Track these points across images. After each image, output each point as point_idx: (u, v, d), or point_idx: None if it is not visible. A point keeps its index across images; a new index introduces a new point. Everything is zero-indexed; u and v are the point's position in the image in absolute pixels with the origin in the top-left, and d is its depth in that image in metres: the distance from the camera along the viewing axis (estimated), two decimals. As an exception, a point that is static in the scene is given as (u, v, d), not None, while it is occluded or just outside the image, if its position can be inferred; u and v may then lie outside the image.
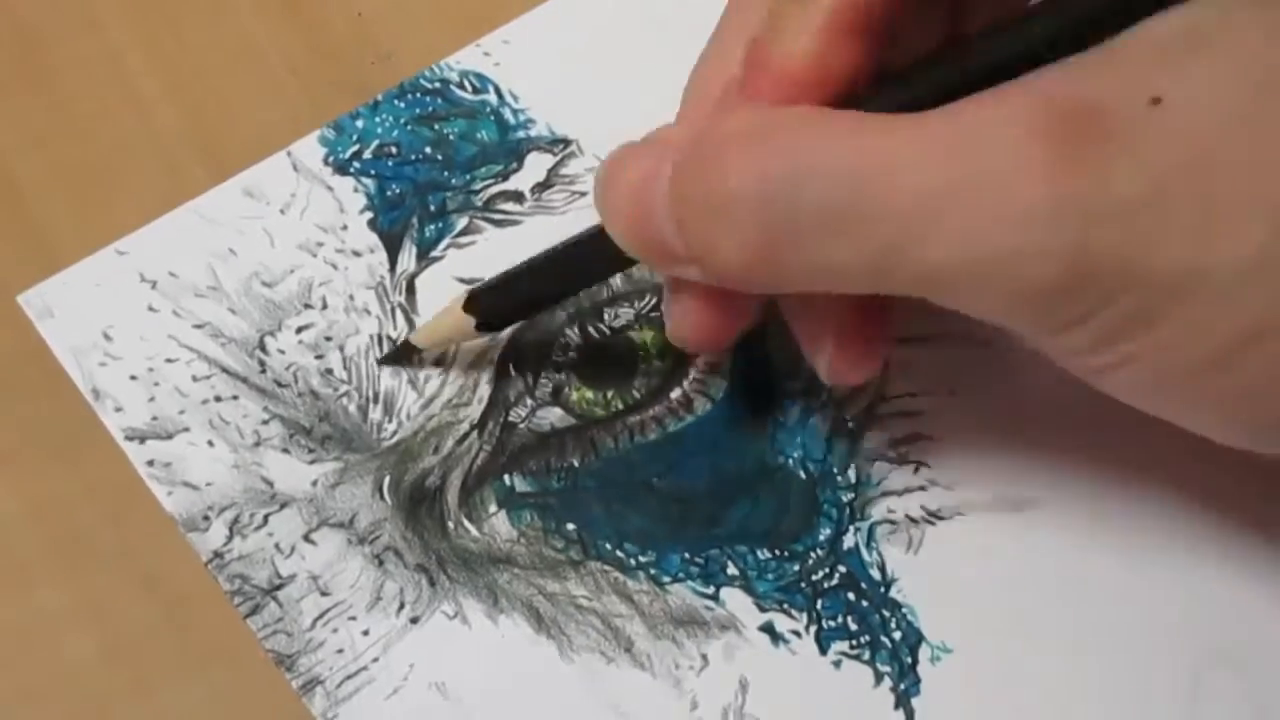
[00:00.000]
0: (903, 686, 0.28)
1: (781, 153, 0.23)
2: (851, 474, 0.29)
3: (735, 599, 0.28)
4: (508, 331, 0.30)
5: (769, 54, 0.24)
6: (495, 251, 0.31)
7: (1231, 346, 0.22)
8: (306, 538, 0.29)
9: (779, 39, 0.24)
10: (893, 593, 0.28)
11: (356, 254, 0.31)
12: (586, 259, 0.27)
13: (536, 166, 0.32)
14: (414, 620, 0.28)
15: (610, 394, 0.30)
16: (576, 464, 0.29)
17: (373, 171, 0.32)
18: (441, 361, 0.30)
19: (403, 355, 0.30)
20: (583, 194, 0.32)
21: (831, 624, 0.28)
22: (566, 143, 0.32)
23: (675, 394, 0.30)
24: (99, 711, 0.28)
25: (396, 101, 0.33)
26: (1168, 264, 0.21)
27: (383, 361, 0.30)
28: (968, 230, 0.22)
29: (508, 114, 0.33)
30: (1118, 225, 0.21)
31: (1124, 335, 0.23)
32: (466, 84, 0.33)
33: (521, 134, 0.32)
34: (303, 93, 0.33)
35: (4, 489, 0.29)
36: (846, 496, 0.29)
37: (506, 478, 0.29)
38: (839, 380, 0.27)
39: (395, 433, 0.30)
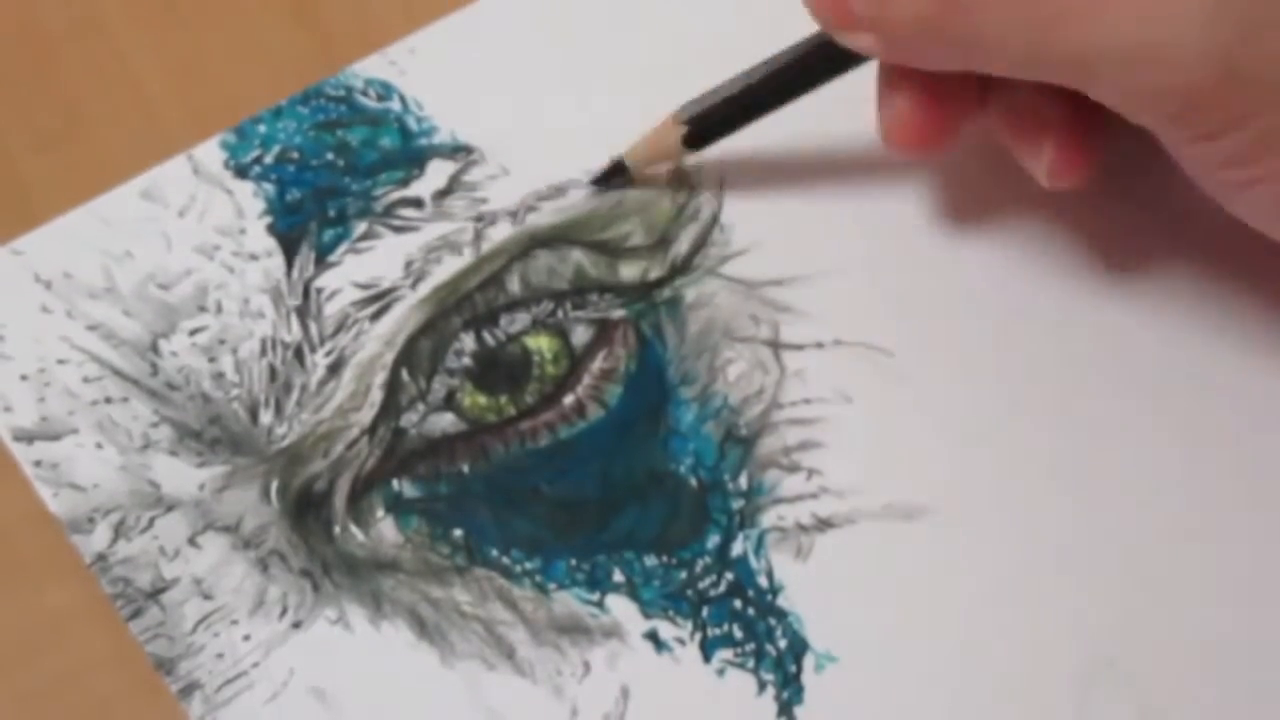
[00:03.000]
0: (786, 695, 0.27)
1: None
2: (743, 481, 0.29)
3: (620, 606, 0.28)
4: (402, 336, 0.30)
5: None
6: (393, 257, 0.31)
7: None
8: (191, 541, 0.28)
9: None
10: (779, 600, 0.28)
11: (254, 257, 0.31)
12: (794, 68, 0.29)
13: (438, 173, 0.32)
14: (296, 625, 0.28)
15: (503, 400, 0.30)
16: (466, 469, 0.29)
17: (273, 176, 0.32)
18: (337, 367, 0.30)
19: (613, 175, 0.31)
20: (484, 200, 0.32)
21: (716, 632, 0.28)
22: (470, 150, 0.32)
23: (568, 400, 0.30)
24: (106, 712, 0.28)
25: (300, 107, 0.33)
26: None
27: (594, 181, 0.31)
28: (1127, 16, 0.23)
29: (411, 122, 0.33)
30: (1271, 38, 0.22)
31: (1264, 150, 0.23)
32: (371, 92, 0.33)
33: (424, 141, 0.32)
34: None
35: (9, 489, 0.29)
36: (737, 504, 0.29)
37: (395, 483, 0.29)
38: (1059, 181, 0.28)
39: (285, 436, 0.29)
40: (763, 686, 0.27)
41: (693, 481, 0.29)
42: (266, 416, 0.29)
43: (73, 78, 0.33)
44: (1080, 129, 0.28)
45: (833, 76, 0.29)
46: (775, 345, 0.30)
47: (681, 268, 0.31)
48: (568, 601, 0.28)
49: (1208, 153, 0.24)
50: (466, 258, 0.31)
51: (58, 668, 0.28)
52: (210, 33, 0.34)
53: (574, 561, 0.28)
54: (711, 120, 0.31)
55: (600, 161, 0.31)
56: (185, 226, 0.31)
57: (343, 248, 0.31)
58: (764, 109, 0.30)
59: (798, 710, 0.27)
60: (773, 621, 0.28)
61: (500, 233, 0.31)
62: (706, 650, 0.28)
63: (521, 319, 0.30)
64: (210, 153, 0.32)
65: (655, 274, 0.31)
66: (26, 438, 0.29)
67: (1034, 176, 0.29)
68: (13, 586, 0.29)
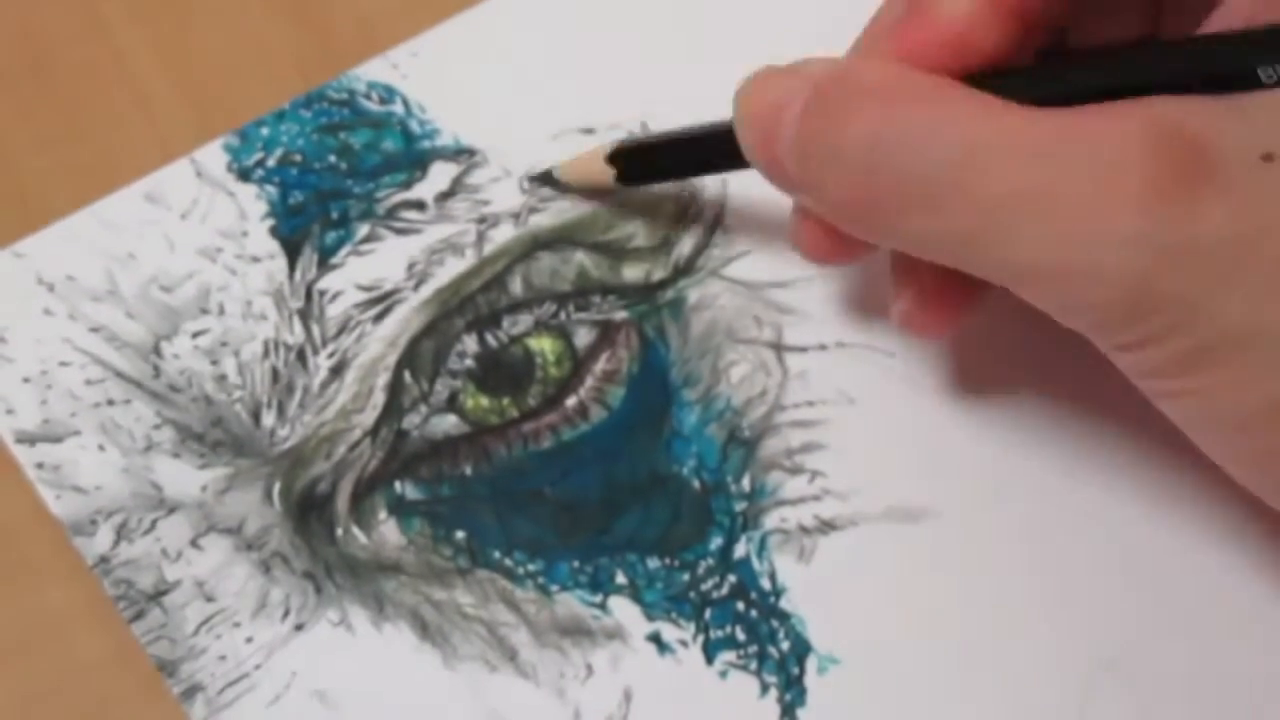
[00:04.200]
0: (788, 697, 0.27)
1: (900, 120, 0.24)
2: (746, 483, 0.29)
3: (623, 608, 0.28)
4: (405, 337, 0.30)
5: (929, 6, 0.25)
6: (396, 259, 0.31)
7: (1268, 411, 0.23)
8: (194, 543, 0.28)
9: None
10: (782, 603, 0.28)
11: (256, 260, 0.31)
12: (728, 145, 0.28)
13: (440, 176, 0.32)
14: (298, 627, 0.28)
15: (506, 401, 0.30)
16: (468, 471, 0.29)
17: (276, 179, 0.32)
18: (340, 369, 0.30)
19: (546, 181, 0.31)
20: (486, 202, 0.32)
21: (719, 634, 0.28)
22: (472, 153, 0.32)
23: (571, 402, 0.30)
24: (106, 712, 0.28)
25: (302, 111, 0.33)
26: (1230, 313, 0.22)
27: (532, 179, 0.31)
28: (1048, 237, 0.23)
29: (414, 124, 0.33)
30: (1191, 265, 0.22)
31: (1182, 368, 0.23)
32: (373, 94, 0.33)
33: (427, 144, 0.32)
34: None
35: (10, 489, 0.29)
36: (740, 506, 0.29)
37: (397, 485, 0.29)
38: (904, 328, 0.28)
39: (288, 438, 0.29)
40: (765, 689, 0.27)
41: (695, 483, 0.29)
42: (269, 418, 0.29)
43: (73, 79, 0.33)
44: (946, 291, 0.28)
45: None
46: (778, 347, 0.30)
47: (684, 269, 0.31)
48: (570, 603, 0.28)
49: (1131, 362, 0.24)
50: (469, 259, 0.31)
51: (58, 668, 0.28)
52: (212, 35, 0.34)
53: (577, 563, 0.28)
54: (637, 166, 0.30)
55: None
56: (188, 229, 0.31)
57: (345, 250, 0.31)
58: (693, 172, 0.30)
59: (800, 712, 0.27)
60: (775, 624, 0.28)
61: (503, 234, 0.31)
62: (709, 652, 0.28)
63: (524, 321, 0.30)
64: (213, 155, 0.32)
65: (658, 275, 0.31)
66: (29, 440, 0.29)
67: (889, 315, 0.28)
68: (13, 586, 0.29)
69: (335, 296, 0.31)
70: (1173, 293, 0.22)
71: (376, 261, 0.31)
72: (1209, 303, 0.22)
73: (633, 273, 0.31)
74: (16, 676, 0.28)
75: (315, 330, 0.30)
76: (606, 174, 0.30)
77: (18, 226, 0.31)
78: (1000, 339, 0.30)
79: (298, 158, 0.32)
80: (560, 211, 0.31)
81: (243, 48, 0.34)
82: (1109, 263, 0.22)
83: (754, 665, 0.28)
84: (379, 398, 0.30)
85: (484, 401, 0.30)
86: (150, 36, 0.34)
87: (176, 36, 0.34)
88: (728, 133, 0.27)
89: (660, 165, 0.30)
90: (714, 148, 0.28)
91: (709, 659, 0.28)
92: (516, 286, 0.31)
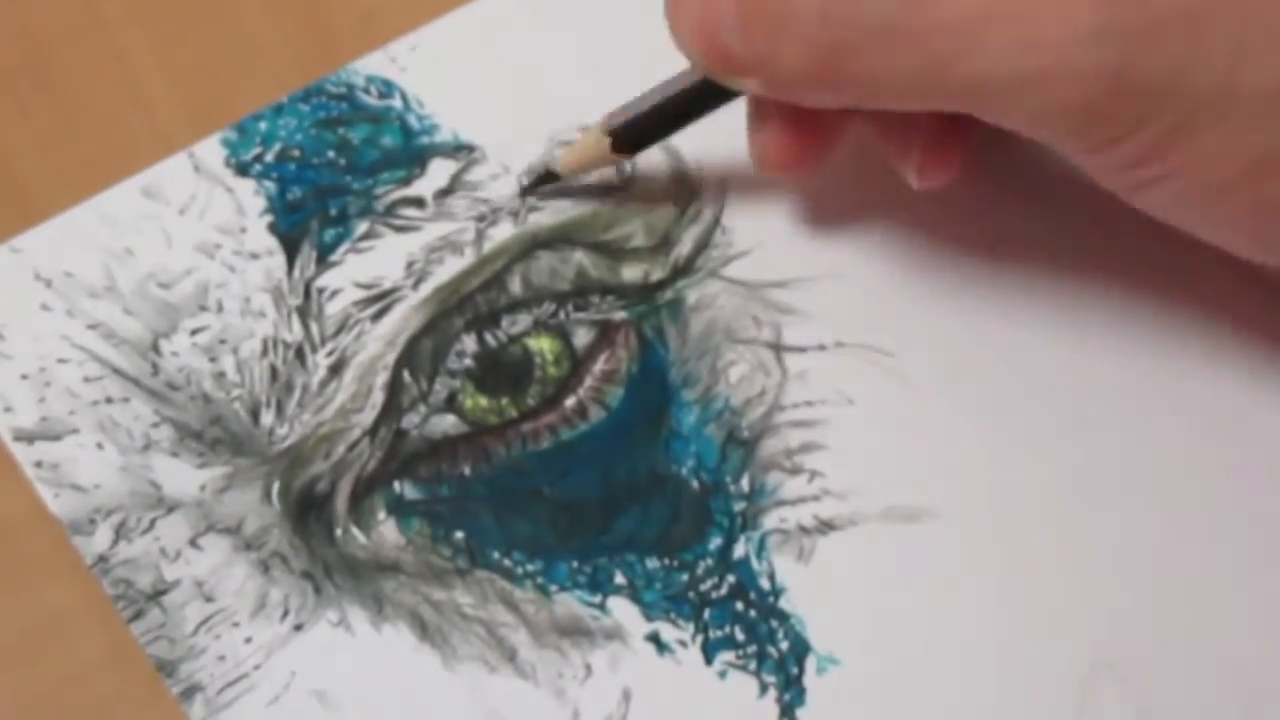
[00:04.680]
0: (788, 697, 0.27)
1: None
2: (745, 483, 0.29)
3: (622, 608, 0.28)
4: (404, 336, 0.30)
5: None
6: (394, 257, 0.31)
7: (1259, 164, 0.24)
8: (193, 543, 0.28)
9: None
10: (781, 603, 0.28)
11: (254, 256, 0.31)
12: (702, 90, 0.28)
13: (439, 172, 0.32)
14: (297, 627, 0.28)
15: (505, 401, 0.30)
16: (467, 471, 0.29)
17: (274, 174, 0.32)
18: (339, 368, 0.30)
19: (544, 183, 0.31)
20: (486, 200, 0.32)
21: (718, 634, 0.28)
22: (471, 149, 0.32)
23: (570, 402, 0.30)
24: (106, 712, 0.28)
25: (301, 105, 0.33)
26: (1201, 84, 0.23)
27: (524, 191, 0.31)
28: (1012, 47, 0.24)
29: (413, 120, 0.32)
30: (1156, 47, 0.23)
31: (1160, 152, 0.24)
32: (372, 89, 0.33)
33: (426, 140, 0.32)
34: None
35: (10, 488, 0.29)
36: (739, 506, 0.29)
37: (396, 485, 0.29)
38: (928, 181, 0.28)
39: (286, 437, 0.29)
40: (764, 689, 0.27)
41: (694, 484, 0.29)
42: (268, 417, 0.29)
43: (73, 78, 0.33)
44: (946, 129, 0.28)
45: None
46: (777, 347, 0.30)
47: (683, 269, 0.31)
48: (569, 604, 0.28)
49: (1106, 160, 0.25)
50: (468, 258, 0.31)
51: (58, 668, 0.28)
52: (210, 30, 0.34)
53: (576, 563, 0.28)
54: (635, 129, 0.30)
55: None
56: (186, 225, 0.31)
57: (344, 247, 0.31)
58: (689, 118, 0.30)
59: (799, 712, 0.27)
60: (775, 624, 0.28)
61: (502, 233, 0.31)
62: (708, 652, 0.28)
63: (523, 320, 0.30)
64: (211, 150, 0.32)
65: (657, 276, 0.31)
66: (27, 438, 0.29)
67: (904, 177, 0.29)
68: (13, 586, 0.29)
69: (334, 294, 0.31)
70: (1144, 77, 0.23)
71: (375, 259, 0.31)
72: (1180, 79, 0.23)
73: (632, 273, 0.31)
74: (15, 676, 0.28)
75: (314, 328, 0.30)
76: (603, 146, 0.30)
77: (14, 222, 0.31)
78: (1000, 337, 0.31)
79: (296, 153, 0.32)
80: (560, 211, 0.31)
81: (243, 47, 0.33)
82: (1079, 58, 0.23)
83: (753, 665, 0.28)
84: (378, 397, 0.30)
85: (483, 401, 0.30)
86: (150, 35, 0.34)
87: (176, 35, 0.34)
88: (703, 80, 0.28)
89: (652, 126, 0.30)
90: (694, 91, 0.29)
91: (708, 659, 0.28)
92: (516, 286, 0.31)
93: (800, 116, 0.28)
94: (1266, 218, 0.25)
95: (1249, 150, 0.24)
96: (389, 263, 0.31)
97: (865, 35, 0.24)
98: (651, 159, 0.32)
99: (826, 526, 0.29)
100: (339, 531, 0.29)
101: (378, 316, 0.30)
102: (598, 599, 0.28)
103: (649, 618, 0.28)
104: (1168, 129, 0.24)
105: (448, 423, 0.29)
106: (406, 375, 0.30)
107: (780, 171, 0.29)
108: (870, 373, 0.30)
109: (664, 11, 0.27)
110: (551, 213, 0.31)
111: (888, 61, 0.24)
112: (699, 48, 0.27)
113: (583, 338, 0.30)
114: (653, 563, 0.28)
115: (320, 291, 0.31)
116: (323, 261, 0.31)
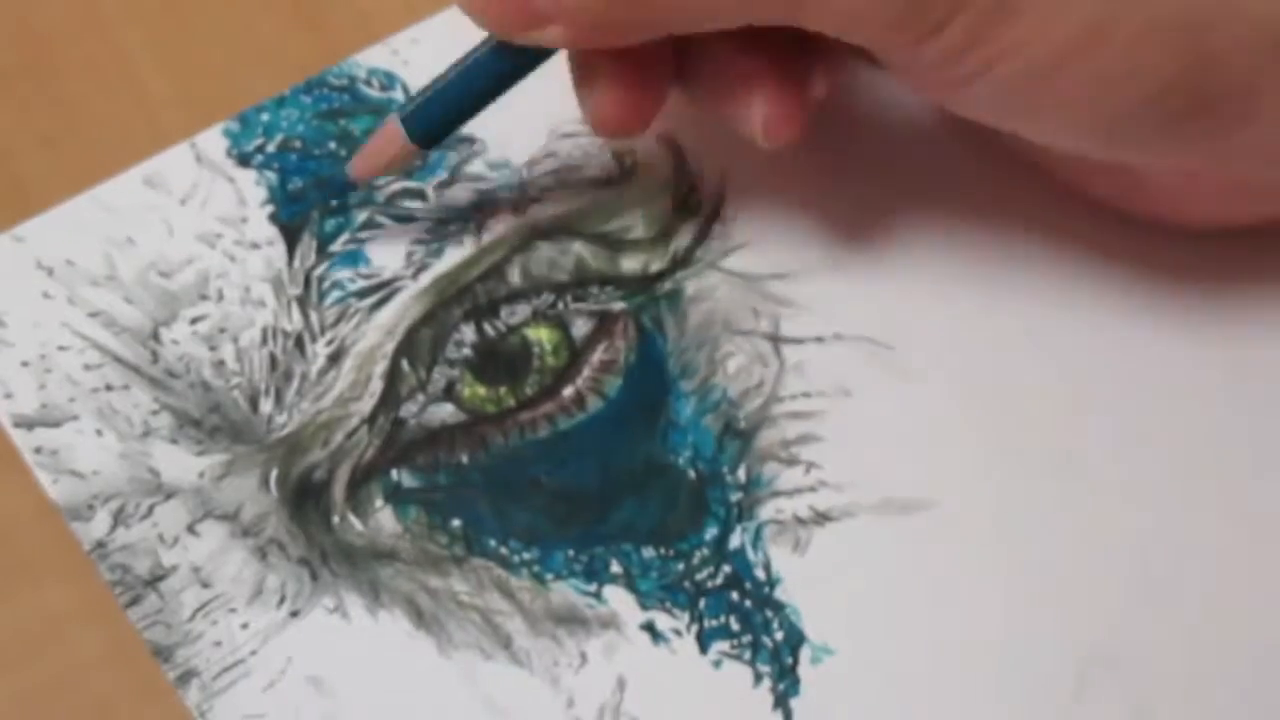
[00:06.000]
0: (782, 687, 0.27)
1: None
2: (742, 474, 0.29)
3: (618, 597, 0.28)
4: (403, 326, 0.30)
5: None
6: (394, 247, 0.31)
7: (1084, 37, 0.23)
8: (190, 529, 0.28)
9: None
10: (777, 593, 0.28)
11: (255, 246, 0.31)
12: (495, 63, 0.28)
13: (440, 164, 0.32)
14: (294, 614, 0.28)
15: (503, 390, 0.30)
16: (465, 460, 0.29)
17: (276, 165, 0.32)
18: (338, 356, 0.30)
19: (351, 189, 0.31)
20: (486, 192, 0.32)
21: (713, 623, 0.28)
22: (472, 141, 0.32)
23: (568, 392, 0.30)
24: (106, 712, 0.27)
25: (303, 96, 0.33)
26: None
27: (325, 209, 0.31)
28: None
29: (414, 111, 0.33)
30: None
31: (985, 32, 0.23)
32: (374, 81, 0.33)
33: (427, 131, 0.32)
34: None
35: (11, 487, 0.29)
36: (735, 496, 0.29)
37: (394, 473, 0.29)
38: (775, 138, 0.27)
39: (285, 425, 0.29)
40: (759, 678, 0.27)
41: (691, 474, 0.29)
42: (267, 405, 0.30)
43: (73, 77, 0.33)
44: (785, 81, 0.27)
45: (539, 64, 0.28)
46: (775, 339, 0.30)
47: (682, 261, 0.31)
48: (565, 592, 0.28)
49: (934, 52, 0.24)
50: (467, 249, 0.31)
51: (58, 667, 0.28)
52: (211, 24, 0.34)
53: (572, 552, 0.28)
54: (427, 115, 0.29)
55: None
56: (187, 214, 0.31)
57: (344, 237, 0.31)
58: (487, 96, 0.29)
59: (793, 702, 0.27)
60: (770, 613, 0.28)
61: (501, 224, 0.31)
62: (703, 642, 0.28)
63: (522, 310, 0.30)
64: (213, 141, 0.32)
65: (656, 267, 0.31)
66: (27, 424, 0.29)
67: (751, 140, 0.28)
68: (13, 585, 0.28)
69: (334, 284, 0.31)
70: None
71: (375, 249, 0.31)
72: None
73: (631, 264, 0.31)
74: (15, 676, 0.28)
75: (314, 317, 0.30)
76: (403, 143, 0.29)
77: (15, 212, 0.31)
78: (998, 330, 0.31)
79: (298, 144, 0.32)
80: (559, 202, 0.31)
81: (243, 46, 0.34)
82: None
83: (748, 655, 0.28)
84: (376, 386, 0.30)
85: (481, 391, 0.30)
86: (150, 33, 0.34)
87: (176, 33, 0.34)
88: (495, 47, 0.27)
89: (448, 114, 0.29)
90: (489, 68, 0.28)
91: (703, 648, 0.28)
92: (515, 276, 0.31)
93: (626, 69, 0.27)
94: (1102, 96, 0.24)
95: (1079, 16, 0.23)
96: (389, 253, 0.31)
97: None
98: (651, 151, 0.32)
99: (822, 518, 0.29)
100: (336, 519, 0.29)
101: (377, 306, 0.30)
102: (593, 588, 0.28)
103: (644, 607, 0.28)
104: (988, 9, 0.23)
105: (446, 411, 0.29)
106: (405, 364, 0.30)
107: (620, 132, 0.28)
108: (868, 365, 0.30)
109: None
110: (551, 204, 0.31)
111: None
112: (491, 11, 0.26)
113: (581, 328, 0.30)
114: (649, 552, 0.28)
115: (320, 281, 0.31)
116: (323, 251, 0.31)
